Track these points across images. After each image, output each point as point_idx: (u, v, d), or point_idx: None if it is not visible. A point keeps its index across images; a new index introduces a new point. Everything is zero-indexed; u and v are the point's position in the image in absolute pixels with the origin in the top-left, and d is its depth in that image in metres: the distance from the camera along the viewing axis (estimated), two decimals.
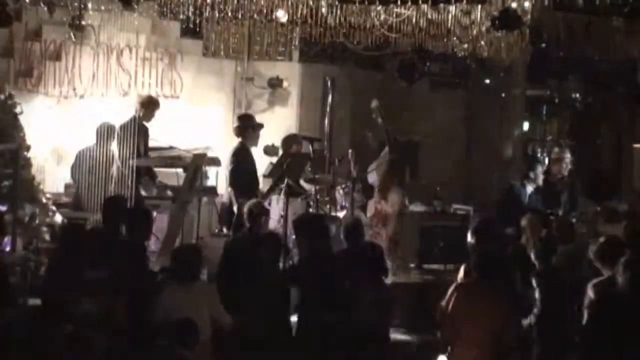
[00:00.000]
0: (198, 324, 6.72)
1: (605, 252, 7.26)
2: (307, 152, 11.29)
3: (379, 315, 7.52)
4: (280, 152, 11.53)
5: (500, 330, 6.74)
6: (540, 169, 11.08)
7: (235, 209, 10.04)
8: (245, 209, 8.80)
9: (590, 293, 7.07)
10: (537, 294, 7.60)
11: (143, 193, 10.29)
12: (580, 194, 11.10)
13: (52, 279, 7.48)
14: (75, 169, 10.44)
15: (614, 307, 6.54)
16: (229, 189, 10.36)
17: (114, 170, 10.08)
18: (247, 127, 10.42)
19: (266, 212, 8.96)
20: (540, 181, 10.92)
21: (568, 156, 10.97)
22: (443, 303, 6.95)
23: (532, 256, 7.89)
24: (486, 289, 6.86)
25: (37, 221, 9.54)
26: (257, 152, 10.98)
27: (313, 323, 7.47)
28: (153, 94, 11.44)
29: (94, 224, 9.20)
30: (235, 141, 10.79)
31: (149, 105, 10.40)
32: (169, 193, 10.33)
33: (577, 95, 14.50)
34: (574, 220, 10.40)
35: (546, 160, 12.65)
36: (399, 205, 10.34)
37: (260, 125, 10.75)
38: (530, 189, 10.89)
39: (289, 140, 11.47)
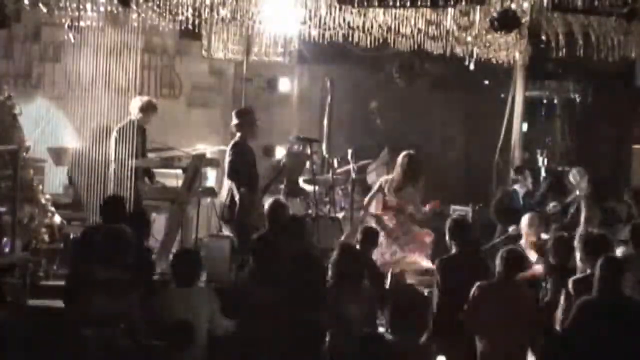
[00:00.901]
0: (195, 328, 6.74)
1: (590, 246, 7.34)
2: (306, 153, 11.30)
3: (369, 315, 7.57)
4: (281, 153, 11.56)
5: (524, 324, 6.97)
6: (527, 172, 11.19)
7: (237, 199, 9.96)
8: (266, 207, 8.78)
9: (570, 289, 7.15)
10: (546, 288, 7.68)
11: (142, 194, 10.28)
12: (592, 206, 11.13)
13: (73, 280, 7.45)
14: (72, 169, 10.46)
15: (589, 311, 6.62)
16: (228, 181, 10.29)
17: (112, 171, 10.09)
18: (244, 123, 10.31)
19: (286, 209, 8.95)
20: (529, 184, 11.03)
21: (585, 184, 11.05)
22: (468, 304, 7.13)
23: (550, 254, 7.96)
24: (507, 286, 7.02)
25: (36, 222, 9.55)
26: (256, 153, 10.95)
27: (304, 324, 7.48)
28: (152, 95, 11.45)
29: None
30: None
31: (148, 109, 10.38)
32: (168, 194, 10.32)
33: (577, 95, 14.49)
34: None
35: (545, 161, 12.67)
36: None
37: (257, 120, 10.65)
38: (521, 191, 10.99)
39: (291, 142, 11.49)
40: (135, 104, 10.40)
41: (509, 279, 7.22)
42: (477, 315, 7.18)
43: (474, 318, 7.20)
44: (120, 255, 7.08)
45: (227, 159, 10.14)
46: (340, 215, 11.36)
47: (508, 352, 7.06)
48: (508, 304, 7.10)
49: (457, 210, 12.17)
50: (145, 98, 10.71)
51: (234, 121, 10.35)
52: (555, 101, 14.56)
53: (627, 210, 10.83)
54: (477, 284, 7.27)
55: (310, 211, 11.06)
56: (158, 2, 10.33)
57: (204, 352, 6.96)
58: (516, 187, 11.13)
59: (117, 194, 9.45)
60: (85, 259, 7.56)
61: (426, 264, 10.00)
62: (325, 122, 13.48)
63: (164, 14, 10.72)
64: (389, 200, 10.33)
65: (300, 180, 11.59)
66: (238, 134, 10.25)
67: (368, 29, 10.87)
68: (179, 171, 10.36)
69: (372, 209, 10.55)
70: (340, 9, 10.51)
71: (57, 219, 9.85)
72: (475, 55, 11.47)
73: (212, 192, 10.84)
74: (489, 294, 7.18)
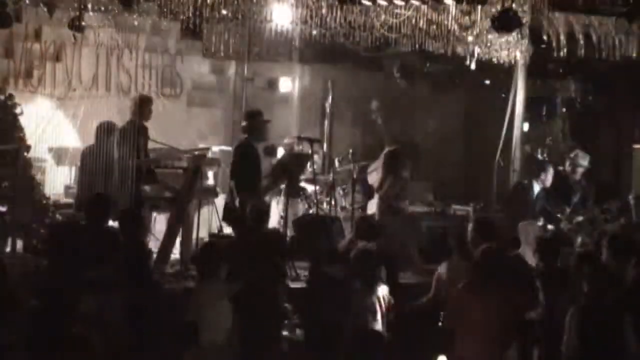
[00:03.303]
0: (218, 322, 6.75)
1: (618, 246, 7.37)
2: (308, 153, 11.29)
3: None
4: (282, 153, 11.55)
5: (504, 326, 6.90)
6: (551, 171, 11.10)
7: (237, 203, 9.99)
8: (248, 209, 8.77)
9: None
10: (540, 295, 7.60)
11: (143, 194, 10.27)
12: (593, 197, 11.18)
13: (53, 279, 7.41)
14: (78, 168, 10.48)
15: None
16: (231, 183, 10.32)
17: (115, 172, 10.08)
18: (252, 125, 10.35)
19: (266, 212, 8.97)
20: (548, 183, 10.95)
21: (586, 162, 11.09)
22: (449, 306, 7.06)
23: (536, 257, 7.88)
24: (489, 287, 6.98)
25: (37, 222, 9.54)
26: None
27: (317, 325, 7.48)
28: (153, 95, 11.46)
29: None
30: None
31: (143, 104, 10.39)
32: (169, 194, 10.31)
33: (578, 95, 14.48)
34: (579, 219, 10.55)
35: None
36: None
37: (267, 121, 10.70)
38: (537, 188, 10.94)
39: (292, 142, 11.49)
40: (132, 103, 10.42)
41: (487, 280, 7.14)
42: (456, 315, 7.13)
43: (453, 318, 7.16)
44: (107, 254, 7.09)
45: (232, 159, 10.20)
46: (341, 215, 11.35)
47: (482, 356, 7.00)
48: (486, 306, 7.04)
49: (458, 210, 12.17)
50: (138, 96, 10.73)
51: (243, 122, 10.42)
52: (556, 101, 14.55)
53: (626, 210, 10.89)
54: (460, 284, 7.24)
55: (311, 211, 11.06)
56: (159, 2, 10.35)
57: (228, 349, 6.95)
58: (534, 182, 11.08)
59: (102, 194, 9.41)
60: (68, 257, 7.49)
61: None
62: (326, 122, 13.48)
63: (165, 14, 10.74)
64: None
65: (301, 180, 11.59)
66: (245, 135, 10.28)
67: (369, 29, 10.87)
68: (180, 171, 10.36)
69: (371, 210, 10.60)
70: (341, 9, 10.52)
71: (58, 218, 9.83)
72: (476, 55, 11.48)
73: (212, 192, 10.84)
74: (468, 295, 7.13)
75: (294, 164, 11.06)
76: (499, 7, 9.72)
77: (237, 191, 9.98)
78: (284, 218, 10.39)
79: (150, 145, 10.58)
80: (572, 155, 11.43)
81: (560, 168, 11.42)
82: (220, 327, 6.84)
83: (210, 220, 11.09)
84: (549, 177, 10.99)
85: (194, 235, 10.26)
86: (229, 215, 10.04)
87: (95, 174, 10.08)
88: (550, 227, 10.50)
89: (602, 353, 6.63)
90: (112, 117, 10.79)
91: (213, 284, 7.06)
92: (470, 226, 8.21)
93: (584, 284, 6.87)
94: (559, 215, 10.75)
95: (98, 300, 6.71)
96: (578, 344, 6.66)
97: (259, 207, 8.79)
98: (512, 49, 11.53)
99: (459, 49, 11.42)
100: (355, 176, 11.60)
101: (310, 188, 11.24)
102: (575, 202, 11.04)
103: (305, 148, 11.32)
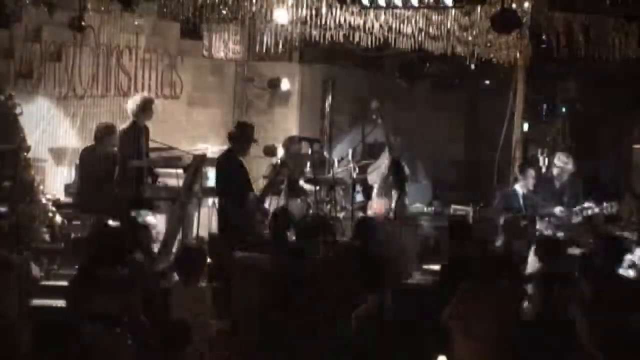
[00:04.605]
0: (200, 325, 6.75)
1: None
2: (307, 153, 11.30)
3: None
4: (281, 153, 11.55)
5: (504, 328, 6.91)
6: (530, 172, 10.98)
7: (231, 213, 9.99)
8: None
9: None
10: (536, 296, 7.60)
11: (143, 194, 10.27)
12: (581, 192, 11.16)
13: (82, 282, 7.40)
14: (77, 168, 10.48)
15: None
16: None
17: (116, 172, 10.08)
18: (239, 136, 10.11)
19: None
20: (530, 185, 10.85)
21: (570, 167, 11.04)
22: (450, 307, 7.08)
23: (536, 259, 7.88)
24: (489, 290, 7.00)
25: (37, 222, 9.54)
26: (256, 153, 10.93)
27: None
28: (153, 95, 11.46)
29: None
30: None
31: (144, 104, 10.36)
32: (169, 194, 10.31)
33: (577, 95, 14.48)
34: (578, 218, 10.54)
35: (546, 161, 12.66)
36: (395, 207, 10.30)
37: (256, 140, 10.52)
38: (522, 191, 10.80)
39: (289, 142, 11.48)
40: (133, 104, 10.36)
41: (491, 282, 7.15)
42: (460, 315, 7.14)
43: (456, 318, 7.17)
44: (124, 254, 7.09)
45: (215, 172, 10.04)
46: (341, 215, 11.36)
47: (484, 356, 7.02)
48: (489, 307, 7.05)
49: (458, 210, 12.17)
50: (139, 97, 10.67)
51: (233, 129, 10.20)
52: (556, 101, 14.55)
53: (628, 211, 10.88)
54: (462, 284, 7.24)
55: (310, 211, 11.05)
56: (159, 2, 10.36)
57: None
58: (517, 187, 10.97)
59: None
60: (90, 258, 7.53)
61: None
62: (326, 122, 13.49)
63: (165, 14, 10.76)
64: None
65: (301, 180, 11.58)
66: (229, 145, 10.05)
67: (369, 29, 10.88)
68: (180, 171, 10.35)
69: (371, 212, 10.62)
70: (341, 9, 10.53)
71: (58, 218, 9.84)
72: (476, 55, 11.49)
73: (212, 192, 10.83)
74: (472, 295, 7.14)
75: (294, 164, 11.07)
76: (498, 7, 9.73)
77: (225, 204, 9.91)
78: None
79: (151, 145, 10.58)
80: (555, 160, 11.35)
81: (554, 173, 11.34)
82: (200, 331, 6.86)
83: (210, 220, 11.09)
84: (529, 180, 10.89)
85: (194, 236, 10.28)
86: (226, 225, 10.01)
87: (95, 174, 10.10)
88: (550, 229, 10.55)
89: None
90: (112, 118, 10.80)
91: (194, 287, 7.08)
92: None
93: (585, 285, 6.89)
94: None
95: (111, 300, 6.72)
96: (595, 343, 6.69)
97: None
98: (512, 49, 11.55)
99: (459, 49, 11.42)
100: (355, 176, 11.61)
101: (310, 188, 11.23)
102: (566, 201, 11.00)
103: (305, 148, 11.31)
